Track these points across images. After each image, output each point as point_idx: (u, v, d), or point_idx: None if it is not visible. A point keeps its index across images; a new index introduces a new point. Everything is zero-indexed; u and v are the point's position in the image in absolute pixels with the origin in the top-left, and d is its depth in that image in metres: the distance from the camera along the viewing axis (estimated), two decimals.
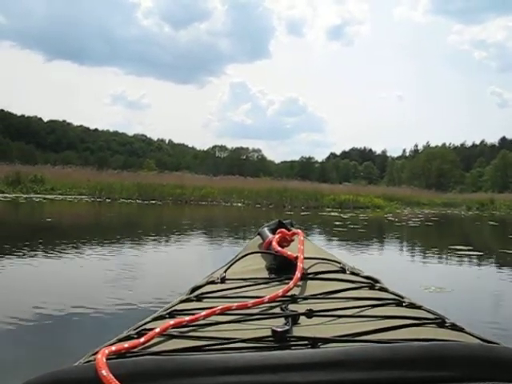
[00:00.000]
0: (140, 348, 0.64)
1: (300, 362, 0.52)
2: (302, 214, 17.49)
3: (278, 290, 0.87)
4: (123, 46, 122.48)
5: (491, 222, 17.34)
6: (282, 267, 1.11)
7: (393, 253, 8.23)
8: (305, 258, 1.06)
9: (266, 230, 1.44)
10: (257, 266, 1.21)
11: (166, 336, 0.69)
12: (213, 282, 1.10)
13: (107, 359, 0.54)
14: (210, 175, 33.25)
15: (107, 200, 21.28)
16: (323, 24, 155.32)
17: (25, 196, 19.98)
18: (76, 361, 0.66)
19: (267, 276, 1.11)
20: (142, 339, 0.65)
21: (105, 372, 0.50)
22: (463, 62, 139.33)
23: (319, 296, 0.91)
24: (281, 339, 0.64)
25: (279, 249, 1.16)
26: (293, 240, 1.28)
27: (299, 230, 1.29)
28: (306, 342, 0.63)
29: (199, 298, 0.95)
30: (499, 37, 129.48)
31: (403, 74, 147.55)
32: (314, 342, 0.62)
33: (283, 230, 1.32)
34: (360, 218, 17.17)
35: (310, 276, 1.06)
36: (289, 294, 0.88)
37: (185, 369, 0.52)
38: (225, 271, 1.16)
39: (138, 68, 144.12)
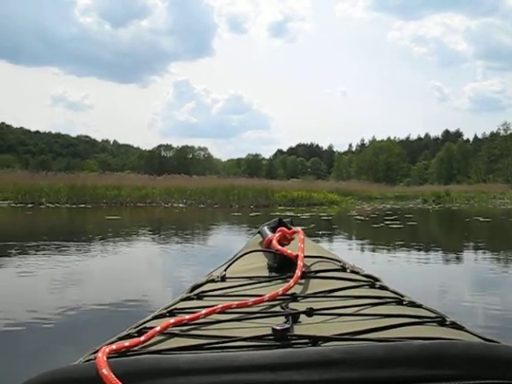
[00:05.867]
0: (140, 346, 0.64)
1: (300, 361, 0.52)
2: (252, 214, 15.21)
3: (279, 288, 0.87)
4: (62, 44, 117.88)
5: (481, 219, 14.31)
6: (282, 266, 1.10)
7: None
8: (305, 257, 1.06)
9: (266, 229, 1.47)
10: (257, 264, 1.20)
11: (167, 334, 0.69)
12: (213, 281, 1.08)
13: (108, 358, 0.54)
14: (154, 175, 31.15)
15: (29, 205, 18.57)
16: (265, 20, 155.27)
17: None
18: (76, 359, 0.66)
19: (267, 274, 1.10)
20: (143, 338, 0.65)
21: (105, 371, 0.50)
22: (404, 57, 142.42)
23: (319, 294, 0.90)
24: (281, 338, 0.64)
25: (279, 247, 1.15)
26: (293, 238, 1.31)
27: (299, 229, 1.27)
28: (306, 341, 0.63)
29: (199, 297, 0.94)
30: (437, 33, 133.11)
31: (346, 69, 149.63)
32: (315, 340, 0.62)
33: (283, 228, 1.35)
34: (321, 217, 14.84)
35: (311, 274, 1.04)
36: (289, 292, 0.87)
37: (185, 367, 0.52)
38: (225, 269, 1.15)
39: (78, 68, 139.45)
